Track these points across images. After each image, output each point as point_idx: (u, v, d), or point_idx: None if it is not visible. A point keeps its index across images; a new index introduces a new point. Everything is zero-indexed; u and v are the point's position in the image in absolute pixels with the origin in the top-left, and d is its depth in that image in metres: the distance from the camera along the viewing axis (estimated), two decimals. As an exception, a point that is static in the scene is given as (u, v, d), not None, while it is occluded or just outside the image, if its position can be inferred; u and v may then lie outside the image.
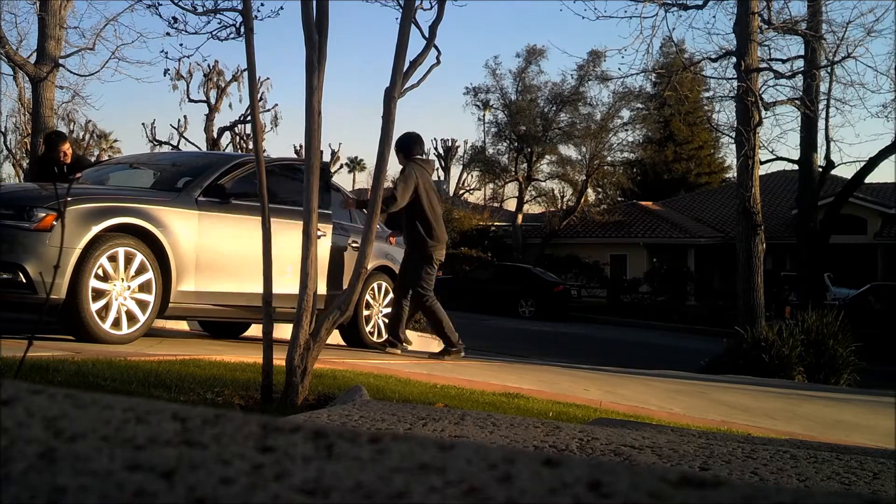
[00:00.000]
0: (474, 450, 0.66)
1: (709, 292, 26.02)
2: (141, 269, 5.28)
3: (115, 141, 41.18)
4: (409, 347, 7.17)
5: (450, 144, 45.50)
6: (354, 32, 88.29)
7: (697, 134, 35.27)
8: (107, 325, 5.09)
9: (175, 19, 6.44)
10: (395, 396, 3.75)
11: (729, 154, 37.18)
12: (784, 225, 24.89)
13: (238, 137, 26.47)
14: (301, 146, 29.89)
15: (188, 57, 20.86)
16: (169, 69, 19.56)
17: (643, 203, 32.62)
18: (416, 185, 6.44)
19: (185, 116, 45.70)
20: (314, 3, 3.45)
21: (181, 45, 48.66)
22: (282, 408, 3.15)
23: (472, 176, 42.62)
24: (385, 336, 6.96)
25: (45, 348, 4.11)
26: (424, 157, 6.90)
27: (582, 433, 2.16)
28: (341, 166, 45.51)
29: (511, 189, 36.36)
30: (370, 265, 6.57)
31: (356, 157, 55.04)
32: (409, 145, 6.75)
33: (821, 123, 16.38)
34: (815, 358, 9.46)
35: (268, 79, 30.79)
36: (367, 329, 7.21)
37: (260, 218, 3.50)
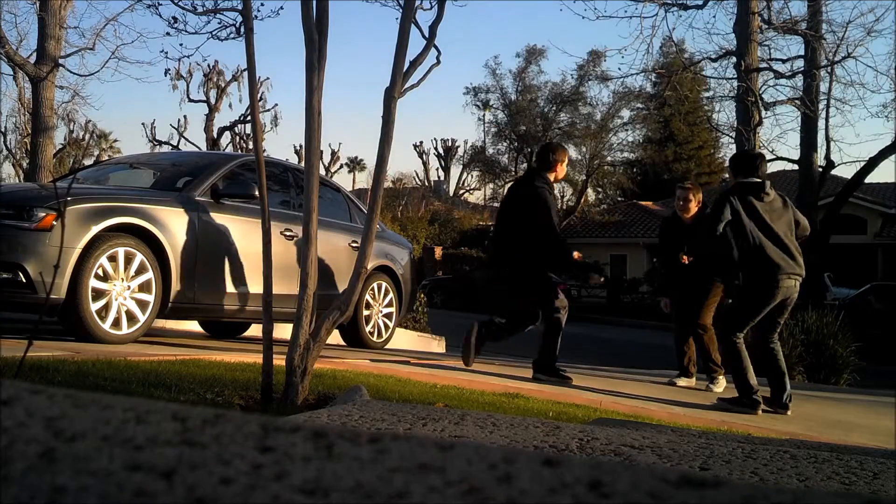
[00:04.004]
0: (474, 450, 0.66)
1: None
2: (141, 269, 5.28)
3: (115, 141, 41.28)
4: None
5: (450, 144, 45.57)
6: (354, 32, 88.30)
7: (697, 134, 35.27)
8: (107, 325, 5.09)
9: (175, 19, 6.43)
10: (395, 396, 3.75)
11: (729, 154, 37.17)
12: (784, 225, 24.86)
13: (238, 137, 26.51)
14: (301, 146, 29.90)
15: (188, 57, 20.98)
16: (169, 69, 19.64)
17: (643, 203, 32.62)
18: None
19: (184, 116, 45.79)
20: (314, 2, 3.45)
21: (181, 44, 48.76)
22: (282, 408, 3.15)
23: (472, 176, 42.70)
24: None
25: (45, 348, 4.10)
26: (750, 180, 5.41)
27: (582, 433, 2.16)
28: (341, 166, 45.58)
29: (511, 189, 36.34)
30: (370, 265, 6.57)
31: (356, 157, 55.09)
32: (736, 165, 5.61)
33: (821, 123, 16.36)
34: (815, 358, 9.46)
35: (268, 79, 30.85)
36: (367, 329, 7.21)
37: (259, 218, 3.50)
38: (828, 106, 15.99)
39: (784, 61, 14.15)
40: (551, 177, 5.98)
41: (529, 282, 5.90)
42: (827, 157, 16.98)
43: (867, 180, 18.28)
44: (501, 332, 6.11)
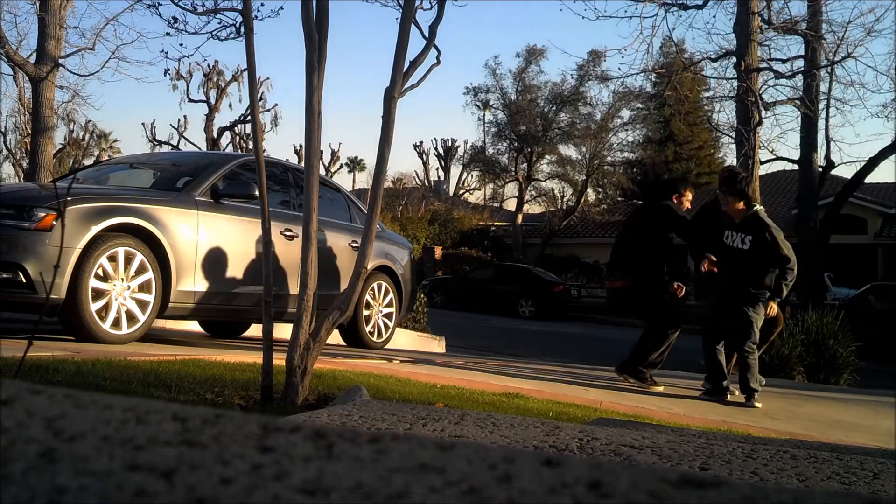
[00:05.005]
0: (474, 450, 0.66)
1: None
2: (141, 269, 5.28)
3: (115, 141, 41.26)
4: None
5: (450, 144, 45.54)
6: (355, 32, 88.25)
7: (697, 134, 35.22)
8: (107, 325, 5.09)
9: (175, 19, 6.43)
10: (395, 396, 3.75)
11: (729, 154, 37.08)
12: (784, 225, 24.83)
13: (238, 137, 26.53)
14: (301, 146, 29.91)
15: (188, 57, 21.04)
16: (169, 69, 19.65)
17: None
18: None
19: (184, 116, 45.76)
20: (314, 2, 3.45)
21: (181, 44, 48.70)
22: (282, 408, 3.15)
23: (472, 176, 42.68)
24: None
25: (45, 348, 4.10)
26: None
27: (582, 433, 2.16)
28: (341, 166, 45.55)
29: (511, 189, 36.39)
30: (370, 265, 6.57)
31: (356, 157, 55.04)
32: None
33: (821, 123, 16.38)
34: (815, 358, 9.46)
35: (268, 79, 30.90)
36: (367, 329, 7.21)
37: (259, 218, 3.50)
38: (828, 106, 16.01)
39: (784, 61, 14.15)
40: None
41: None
42: (827, 157, 16.99)
43: (867, 180, 18.29)
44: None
